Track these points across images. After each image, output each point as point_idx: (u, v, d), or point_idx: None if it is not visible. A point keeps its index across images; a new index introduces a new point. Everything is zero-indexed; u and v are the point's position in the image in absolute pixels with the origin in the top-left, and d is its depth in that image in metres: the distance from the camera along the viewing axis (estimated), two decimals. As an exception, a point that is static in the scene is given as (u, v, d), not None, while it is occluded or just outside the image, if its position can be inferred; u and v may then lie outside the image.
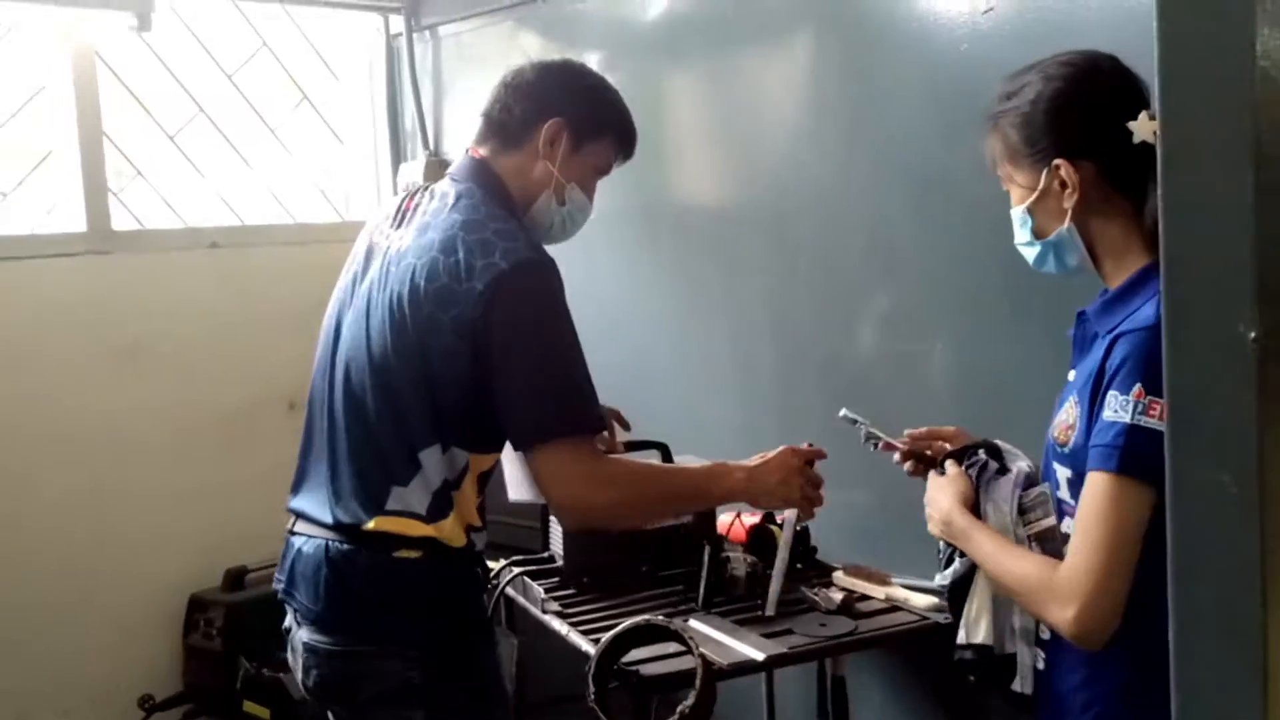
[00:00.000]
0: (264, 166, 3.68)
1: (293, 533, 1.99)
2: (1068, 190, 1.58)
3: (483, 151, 2.01)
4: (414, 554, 1.86)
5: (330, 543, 1.89)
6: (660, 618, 2.00)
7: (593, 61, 3.23)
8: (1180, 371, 0.87)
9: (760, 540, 2.44)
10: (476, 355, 1.80)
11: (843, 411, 2.06)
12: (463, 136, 3.61)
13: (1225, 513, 0.86)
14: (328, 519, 1.90)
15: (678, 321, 3.01)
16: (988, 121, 1.67)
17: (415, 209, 1.99)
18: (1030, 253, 1.67)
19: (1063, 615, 1.48)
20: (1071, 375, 1.67)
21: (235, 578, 3.26)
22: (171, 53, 3.47)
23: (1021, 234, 1.66)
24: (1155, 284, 1.52)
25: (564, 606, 2.31)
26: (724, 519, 2.51)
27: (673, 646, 1.99)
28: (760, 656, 2.01)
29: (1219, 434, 0.86)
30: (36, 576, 3.20)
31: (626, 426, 2.44)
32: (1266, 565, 0.85)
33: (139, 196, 3.44)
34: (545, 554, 2.56)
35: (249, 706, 3.06)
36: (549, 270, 1.85)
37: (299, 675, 1.97)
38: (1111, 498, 1.46)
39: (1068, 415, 1.58)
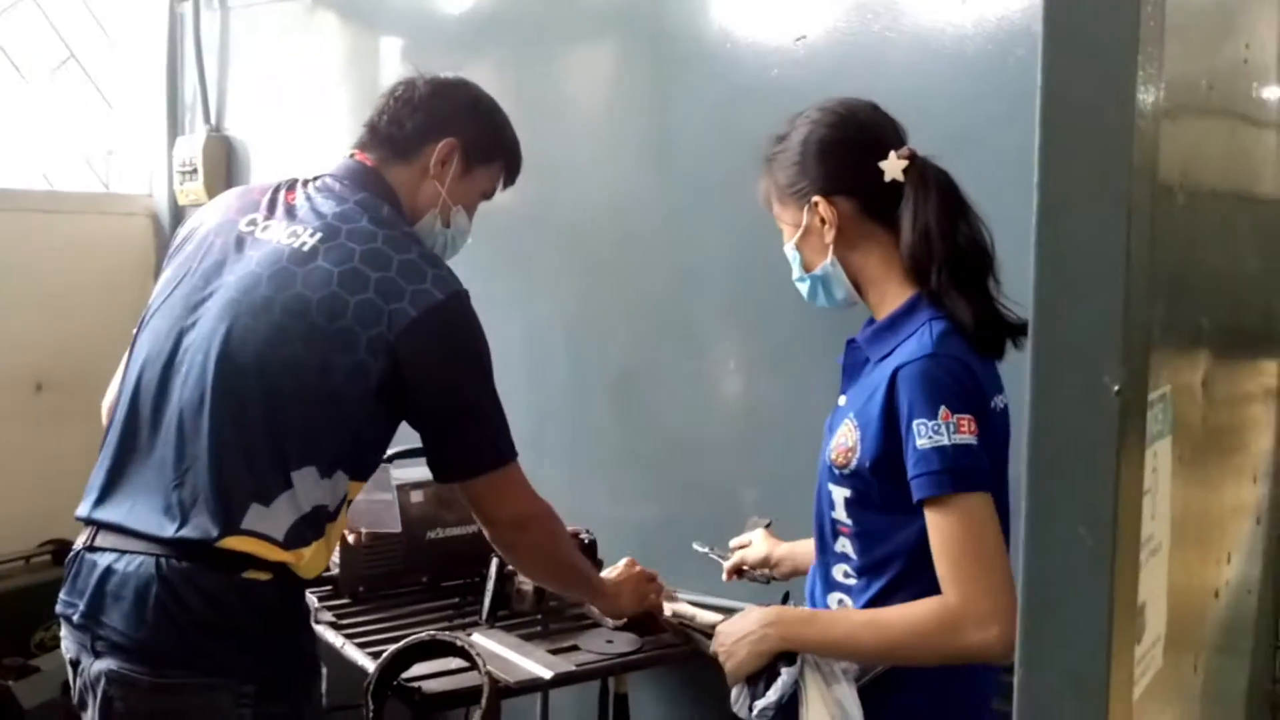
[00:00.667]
0: (19, 127, 3.39)
1: (93, 548, 1.75)
2: (827, 226, 1.67)
3: (371, 160, 1.93)
4: (264, 575, 1.70)
5: (162, 559, 1.68)
6: (446, 633, 1.93)
7: (391, 49, 3.13)
8: (1044, 420, 0.88)
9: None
10: (392, 377, 1.73)
11: (695, 546, 2.28)
12: (248, 114, 3.43)
13: (1078, 565, 0.86)
14: (163, 533, 1.69)
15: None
16: (762, 164, 1.76)
17: (303, 204, 1.85)
18: (803, 288, 1.76)
19: (983, 637, 1.48)
20: (843, 400, 1.73)
21: (-39, 573, 2.98)
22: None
23: (794, 269, 1.75)
24: (924, 314, 1.62)
25: (338, 617, 2.21)
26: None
27: (455, 662, 1.93)
28: (548, 674, 1.97)
29: (1078, 485, 0.86)
30: None
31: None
32: (1114, 619, 0.86)
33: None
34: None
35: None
36: (469, 300, 1.83)
37: (91, 711, 1.74)
38: (965, 517, 1.51)
39: (845, 438, 1.64)
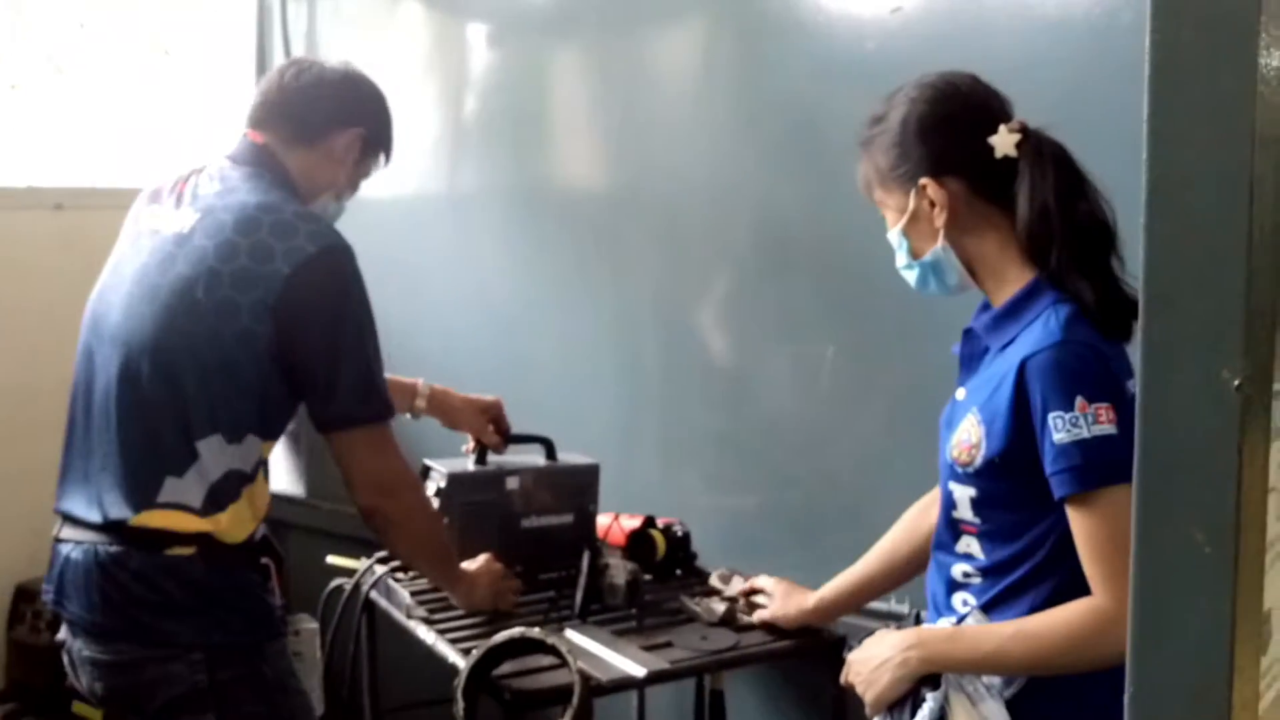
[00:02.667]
0: (117, 123, 3.44)
1: (59, 539, 1.90)
2: (936, 209, 1.58)
3: (264, 138, 1.98)
4: (187, 550, 1.81)
5: (99, 547, 1.82)
6: (536, 631, 1.90)
7: (477, 35, 3.11)
8: (1156, 417, 0.80)
9: (640, 546, 2.36)
10: (279, 338, 1.81)
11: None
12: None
13: (1195, 572, 0.79)
14: (95, 518, 1.83)
15: (560, 313, 2.91)
16: (859, 148, 1.66)
17: (190, 190, 1.93)
18: (910, 275, 1.66)
19: None
20: (961, 394, 1.64)
21: (70, 566, 3.03)
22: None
23: (900, 257, 1.66)
24: (1047, 298, 1.52)
25: (430, 612, 2.19)
26: (603, 521, 2.42)
27: (547, 659, 1.89)
28: (641, 672, 1.92)
29: (1194, 486, 0.79)
30: None
31: (503, 433, 2.38)
32: (1236, 631, 0.79)
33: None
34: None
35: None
36: (351, 254, 1.87)
37: (85, 687, 1.92)
38: (1111, 511, 1.42)
39: (968, 435, 1.55)
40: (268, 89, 2.03)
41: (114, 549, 1.81)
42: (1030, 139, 1.54)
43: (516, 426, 2.43)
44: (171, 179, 2.00)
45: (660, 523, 2.40)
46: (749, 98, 2.52)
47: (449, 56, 3.16)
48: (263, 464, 1.91)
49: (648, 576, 2.29)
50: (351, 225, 3.23)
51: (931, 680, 1.57)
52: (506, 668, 1.89)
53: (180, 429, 1.81)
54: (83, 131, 3.38)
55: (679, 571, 2.38)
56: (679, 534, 2.39)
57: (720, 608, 2.14)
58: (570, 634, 2.05)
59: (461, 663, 1.89)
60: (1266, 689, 0.90)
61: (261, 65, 3.58)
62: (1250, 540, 0.80)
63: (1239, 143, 0.75)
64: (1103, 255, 1.53)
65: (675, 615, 2.19)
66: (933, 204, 1.57)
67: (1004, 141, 1.54)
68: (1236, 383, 0.76)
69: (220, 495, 1.83)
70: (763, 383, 2.52)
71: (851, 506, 2.27)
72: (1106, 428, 1.41)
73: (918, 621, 1.75)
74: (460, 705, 1.82)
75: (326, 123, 2.00)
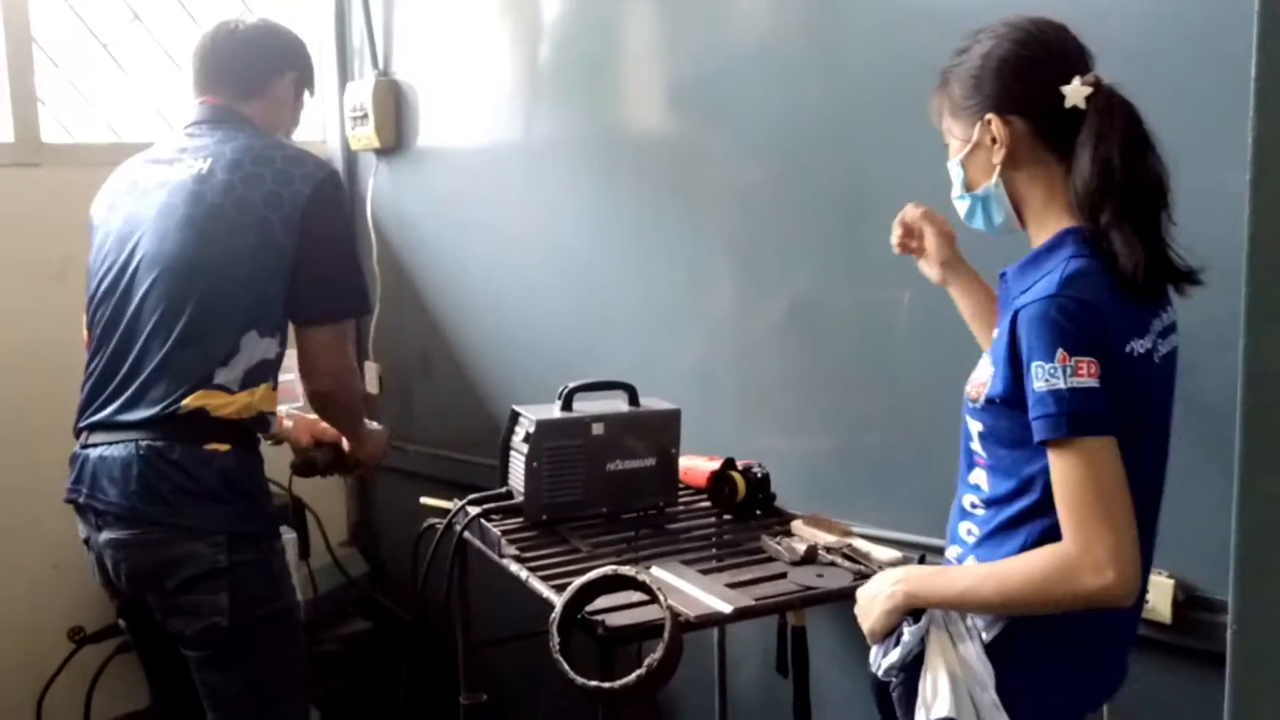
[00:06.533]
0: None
1: (87, 445, 2.23)
2: (996, 145, 1.64)
3: (219, 99, 2.33)
4: (223, 447, 2.19)
5: (140, 441, 2.16)
6: (627, 568, 1.97)
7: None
8: (1259, 366, 0.84)
9: (721, 487, 2.42)
10: (301, 247, 2.20)
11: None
12: (414, 57, 3.48)
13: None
14: (135, 417, 2.17)
15: (636, 260, 2.95)
16: (939, 77, 1.72)
17: (181, 148, 2.29)
18: (962, 206, 1.74)
19: (1101, 581, 1.47)
20: (995, 333, 1.69)
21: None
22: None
23: (956, 187, 1.73)
24: (1066, 251, 1.58)
25: (522, 550, 2.27)
26: (685, 464, 2.47)
27: (637, 596, 1.95)
28: (728, 609, 1.98)
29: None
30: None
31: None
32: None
33: (70, 108, 3.26)
34: (503, 489, 2.50)
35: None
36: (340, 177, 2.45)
37: (109, 574, 2.24)
38: (1083, 460, 1.49)
39: (981, 373, 1.65)
40: (204, 55, 2.35)
41: (158, 443, 2.15)
42: (1102, 93, 1.58)
43: (597, 374, 2.49)
44: (158, 147, 2.34)
45: (740, 464, 2.46)
46: (822, 42, 2.53)
47: (523, 6, 3.19)
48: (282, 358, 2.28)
49: (728, 517, 2.34)
50: (431, 171, 3.29)
51: (916, 615, 1.68)
52: (598, 603, 1.96)
53: (226, 329, 2.18)
54: (170, 86, 3.43)
55: (759, 512, 2.44)
56: (758, 475, 2.45)
57: (801, 547, 2.20)
58: (656, 571, 2.12)
59: (555, 598, 1.95)
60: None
61: (339, 18, 3.63)
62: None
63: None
64: (1155, 215, 1.57)
65: (757, 554, 2.25)
66: (994, 139, 1.63)
67: (1075, 92, 1.58)
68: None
69: (254, 377, 2.22)
70: (838, 327, 2.55)
71: (926, 449, 2.30)
72: (1086, 381, 1.47)
73: (922, 561, 1.87)
74: (556, 640, 1.89)
75: (267, 71, 2.37)
